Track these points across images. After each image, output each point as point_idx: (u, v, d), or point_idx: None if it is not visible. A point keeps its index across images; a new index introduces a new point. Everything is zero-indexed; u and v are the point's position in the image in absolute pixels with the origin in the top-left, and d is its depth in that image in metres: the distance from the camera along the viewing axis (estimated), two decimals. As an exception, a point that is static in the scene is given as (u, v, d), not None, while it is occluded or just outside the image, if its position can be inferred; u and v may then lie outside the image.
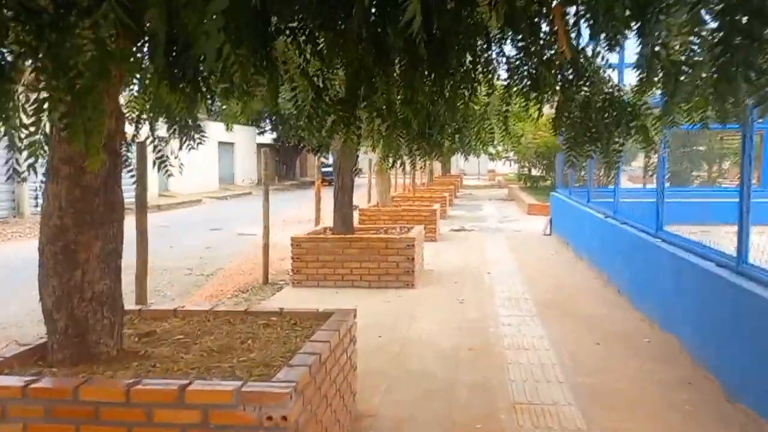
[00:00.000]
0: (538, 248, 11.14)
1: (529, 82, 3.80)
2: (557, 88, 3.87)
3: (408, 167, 18.72)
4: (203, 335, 3.47)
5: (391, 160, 5.18)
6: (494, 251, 10.75)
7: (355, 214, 13.74)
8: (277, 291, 7.94)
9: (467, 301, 7.04)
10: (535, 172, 27.39)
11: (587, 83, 3.90)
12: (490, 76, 3.99)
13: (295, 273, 7.94)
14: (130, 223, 3.74)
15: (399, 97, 3.90)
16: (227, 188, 30.14)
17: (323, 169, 36.63)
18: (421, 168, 25.63)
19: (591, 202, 9.53)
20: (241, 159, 33.48)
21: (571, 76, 3.88)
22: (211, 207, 22.38)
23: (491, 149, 30.09)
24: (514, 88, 3.84)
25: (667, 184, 6.37)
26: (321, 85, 3.55)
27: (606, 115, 3.96)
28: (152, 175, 24.92)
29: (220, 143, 30.82)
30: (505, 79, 3.97)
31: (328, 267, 7.85)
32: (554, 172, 23.05)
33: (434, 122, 4.37)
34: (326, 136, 4.14)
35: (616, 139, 4.11)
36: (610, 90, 3.95)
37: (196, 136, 4.50)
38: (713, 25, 2.11)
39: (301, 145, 38.15)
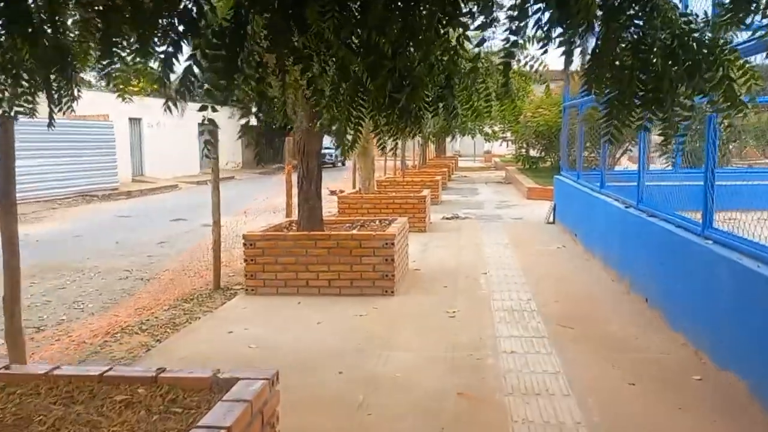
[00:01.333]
0: (542, 240, 9.72)
1: (550, 10, 2.35)
2: (597, 18, 2.42)
3: (391, 148, 17.21)
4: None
5: (349, 136, 3.73)
6: (491, 244, 9.34)
7: (334, 202, 12.36)
8: (228, 299, 6.53)
9: (459, 314, 5.63)
10: (533, 152, 25.89)
11: (644, 11, 2.45)
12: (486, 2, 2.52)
13: (249, 278, 6.51)
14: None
15: (344, 36, 2.48)
16: (208, 172, 28.57)
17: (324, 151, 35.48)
18: (418, 146, 24.16)
19: (606, 188, 8.10)
20: (225, 141, 31.83)
21: (618, 1, 2.44)
22: (187, 193, 20.85)
23: (487, 129, 28.60)
24: (528, 21, 2.38)
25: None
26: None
27: (672, 61, 2.51)
28: (125, 159, 23.42)
29: (201, 124, 29.18)
30: (510, 8, 2.50)
31: (289, 271, 6.43)
32: (556, 153, 21.60)
33: (403, 81, 2.92)
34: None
35: (683, 100, 2.67)
36: (679, 23, 2.49)
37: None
38: None
39: (289, 126, 36.25)
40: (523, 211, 13.94)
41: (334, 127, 3.93)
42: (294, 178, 8.43)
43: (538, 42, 2.62)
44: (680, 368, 4.22)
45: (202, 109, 2.39)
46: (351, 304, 6.03)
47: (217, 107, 2.64)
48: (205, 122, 2.48)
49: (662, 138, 2.77)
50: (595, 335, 4.98)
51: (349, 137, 3.73)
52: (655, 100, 2.67)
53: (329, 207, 12.13)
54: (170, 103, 2.37)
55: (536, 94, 25.63)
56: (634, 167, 16.80)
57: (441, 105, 3.55)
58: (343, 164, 39.78)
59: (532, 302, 5.96)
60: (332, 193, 16.20)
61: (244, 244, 6.52)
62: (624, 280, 6.48)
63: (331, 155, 39.01)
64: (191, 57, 2.31)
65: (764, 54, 3.38)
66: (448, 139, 40.41)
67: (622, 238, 6.76)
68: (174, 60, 2.33)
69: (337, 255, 6.36)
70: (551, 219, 11.69)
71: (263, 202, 11.40)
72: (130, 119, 23.93)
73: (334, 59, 2.84)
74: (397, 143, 20.03)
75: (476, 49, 2.82)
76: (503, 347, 4.70)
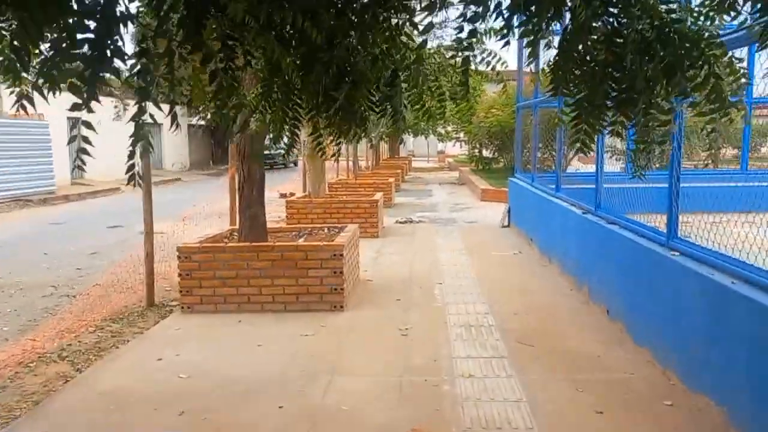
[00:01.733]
0: (498, 245, 9.44)
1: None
2: (565, 5, 2.05)
3: (333, 153, 16.76)
4: None
5: (286, 139, 3.27)
6: (446, 250, 9.00)
7: (282, 208, 11.84)
8: (163, 317, 5.97)
9: (413, 331, 5.24)
10: (486, 153, 25.83)
11: (620, -2, 2.10)
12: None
13: (185, 294, 5.96)
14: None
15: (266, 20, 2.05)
16: (154, 174, 27.47)
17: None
18: (370, 147, 23.73)
19: (561, 191, 7.86)
20: (171, 141, 30.74)
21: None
22: (130, 196, 19.86)
23: (440, 129, 28.44)
24: (487, 4, 1.98)
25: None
26: None
27: (649, 57, 2.16)
28: (63, 160, 22.18)
29: (138, 124, 28.06)
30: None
31: (229, 286, 5.91)
32: (510, 154, 21.51)
33: (343, 77, 2.51)
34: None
35: (660, 102, 2.33)
36: (659, 11, 2.14)
37: None
38: None
39: (222, 125, 35.16)
40: (478, 213, 13.69)
41: (271, 129, 3.48)
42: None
43: (497, 33, 2.24)
44: (649, 391, 3.92)
45: (74, 108, 1.90)
46: (297, 321, 5.57)
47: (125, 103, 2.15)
48: (81, 123, 2.00)
49: (639, 144, 2.43)
50: (557, 352, 4.65)
51: (286, 140, 3.29)
52: (628, 102, 2.32)
53: (279, 211, 11.61)
54: (25, 100, 1.87)
55: (489, 94, 25.64)
56: (585, 168, 16.84)
57: (388, 105, 3.14)
58: (296, 165, 39.12)
59: (490, 316, 5.62)
60: (282, 196, 15.66)
61: (179, 257, 5.96)
62: (582, 288, 6.21)
63: (283, 155, 38.31)
64: (54, 41, 1.82)
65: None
66: (401, 140, 40.21)
67: (579, 244, 6.49)
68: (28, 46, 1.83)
69: (282, 268, 5.88)
70: (506, 222, 11.45)
71: (207, 206, 10.77)
72: (69, 118, 22.73)
73: (258, 49, 2.40)
74: (340, 146, 19.64)
75: (423, 37, 2.42)
76: (460, 370, 4.32)
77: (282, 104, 3.07)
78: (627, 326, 4.93)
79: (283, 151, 35.02)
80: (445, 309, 5.90)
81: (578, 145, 2.54)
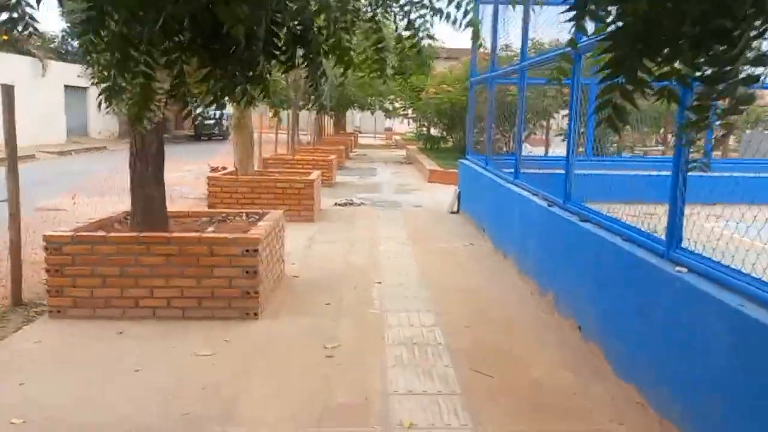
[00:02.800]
0: (446, 234, 8.45)
1: None
2: None
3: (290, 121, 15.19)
4: None
5: (129, 96, 2.10)
6: (388, 239, 7.93)
7: (202, 186, 10.52)
8: (30, 320, 4.69)
9: (341, 351, 4.15)
10: (435, 132, 24.82)
11: None
12: None
13: (54, 295, 4.68)
14: None
15: None
16: (78, 141, 25.30)
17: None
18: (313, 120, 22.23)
19: (521, 178, 6.89)
20: (97, 107, 28.35)
21: None
22: (43, 165, 17.93)
23: (387, 105, 27.27)
24: None
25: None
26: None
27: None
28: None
29: (69, 87, 25.75)
30: None
31: (111, 285, 4.66)
32: (459, 133, 20.56)
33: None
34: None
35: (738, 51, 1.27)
36: None
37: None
38: None
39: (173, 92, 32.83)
40: (425, 196, 12.69)
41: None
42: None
43: None
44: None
45: None
46: (195, 334, 4.39)
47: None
48: None
49: (724, 113, 1.37)
50: (521, 387, 3.66)
51: (127, 97, 2.10)
52: (720, 35, 1.25)
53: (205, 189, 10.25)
54: None
55: (440, 69, 24.59)
56: (535, 152, 16.07)
57: (300, 50, 1.99)
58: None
59: (438, 329, 4.59)
60: (214, 170, 14.21)
61: (45, 249, 4.67)
62: (546, 295, 5.26)
63: (223, 125, 36.24)
64: None
65: None
66: (348, 114, 38.91)
67: (543, 243, 5.53)
68: None
69: (180, 265, 4.67)
70: (455, 208, 10.48)
71: (111, 179, 9.32)
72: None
73: None
74: (278, 115, 18.20)
75: None
76: (399, 415, 3.26)
77: (118, 46, 1.88)
78: (605, 352, 3.99)
79: (224, 119, 33.08)
80: (383, 318, 4.83)
81: (606, 116, 1.46)
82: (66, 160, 20.26)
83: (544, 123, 16.37)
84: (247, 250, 4.69)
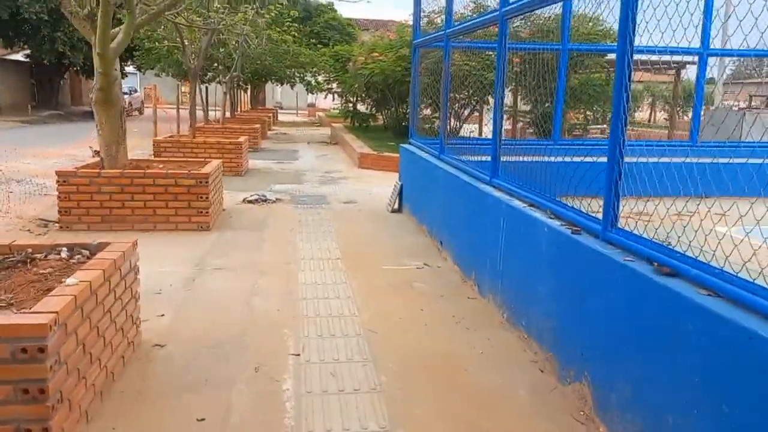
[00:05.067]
0: (392, 249, 6.27)
1: None
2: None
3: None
4: None
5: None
6: (313, 262, 5.67)
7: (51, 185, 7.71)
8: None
9: None
10: (362, 108, 22.45)
11: None
12: None
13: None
14: None
15: None
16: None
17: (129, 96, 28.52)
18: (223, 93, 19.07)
19: (503, 179, 4.76)
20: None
21: None
22: None
23: (309, 78, 24.69)
24: None
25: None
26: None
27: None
28: None
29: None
30: None
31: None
32: (391, 109, 18.31)
33: None
34: None
35: None
36: None
37: None
38: None
39: (67, 62, 28.95)
40: (357, 188, 10.44)
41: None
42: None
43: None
44: None
45: None
46: None
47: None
48: None
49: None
50: None
51: None
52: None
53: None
54: None
55: (366, 38, 22.23)
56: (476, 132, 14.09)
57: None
58: (140, 113, 33.37)
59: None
60: (97, 153, 11.29)
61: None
62: (569, 379, 3.19)
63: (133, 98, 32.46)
64: None
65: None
66: (268, 87, 35.96)
67: (565, 291, 3.42)
68: None
69: None
70: (396, 205, 8.33)
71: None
72: None
73: None
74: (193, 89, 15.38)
75: None
76: None
77: None
78: None
79: (133, 94, 29.52)
80: (302, 458, 2.61)
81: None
82: None
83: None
84: (23, 350, 2.33)
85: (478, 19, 5.42)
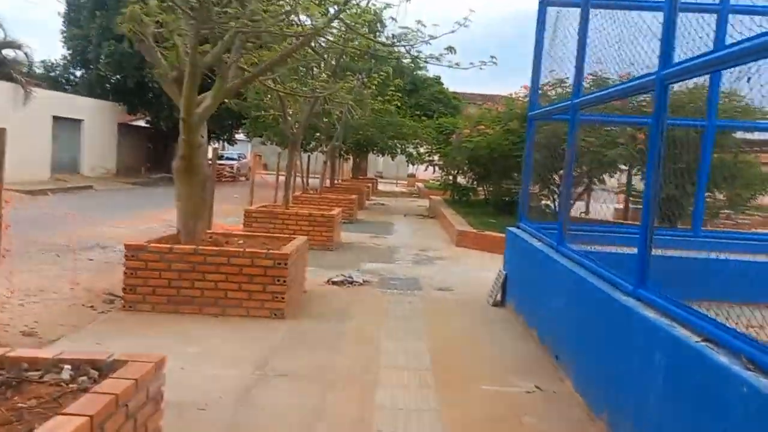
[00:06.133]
0: (494, 361, 5.12)
1: None
2: None
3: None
4: None
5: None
6: (395, 375, 4.63)
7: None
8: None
9: None
10: (462, 180, 21.42)
11: None
12: None
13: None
14: None
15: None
16: (64, 179, 22.60)
17: (223, 157, 29.60)
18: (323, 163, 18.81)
19: (649, 289, 3.55)
20: (93, 141, 25.82)
21: None
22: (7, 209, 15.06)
23: (410, 149, 24.28)
24: None
25: None
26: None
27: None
28: None
29: (58, 119, 23.24)
30: None
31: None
32: (493, 186, 17.23)
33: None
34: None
35: None
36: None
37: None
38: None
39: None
40: (454, 270, 9.38)
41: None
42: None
43: None
44: None
45: None
46: None
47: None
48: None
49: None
50: None
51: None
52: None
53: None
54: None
55: (471, 110, 21.61)
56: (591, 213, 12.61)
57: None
58: (246, 178, 34.36)
59: None
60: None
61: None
62: None
63: (232, 166, 33.59)
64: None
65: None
66: (370, 157, 36.08)
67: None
68: None
69: None
70: (499, 297, 7.17)
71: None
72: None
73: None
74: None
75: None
76: None
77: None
78: None
79: (236, 160, 30.53)
80: None
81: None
82: (41, 200, 17.39)
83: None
84: None
85: (619, 87, 4.38)
